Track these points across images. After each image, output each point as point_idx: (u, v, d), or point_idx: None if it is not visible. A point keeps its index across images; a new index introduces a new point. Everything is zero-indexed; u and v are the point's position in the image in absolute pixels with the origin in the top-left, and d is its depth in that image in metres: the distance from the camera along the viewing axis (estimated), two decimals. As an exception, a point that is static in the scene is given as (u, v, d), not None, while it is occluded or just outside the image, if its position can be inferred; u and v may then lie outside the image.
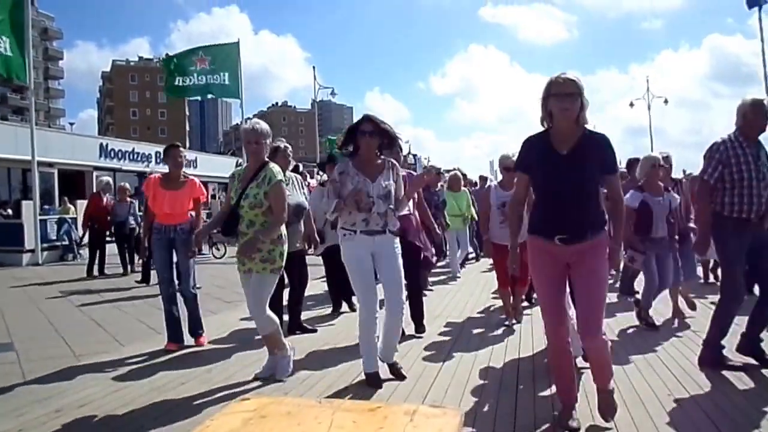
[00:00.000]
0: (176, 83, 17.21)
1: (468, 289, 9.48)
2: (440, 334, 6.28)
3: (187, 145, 78.16)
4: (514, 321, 6.61)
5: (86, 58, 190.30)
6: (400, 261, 4.66)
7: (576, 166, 3.34)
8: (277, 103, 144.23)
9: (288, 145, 6.29)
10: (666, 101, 40.36)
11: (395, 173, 4.66)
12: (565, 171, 3.35)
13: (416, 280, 6.22)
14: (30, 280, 12.22)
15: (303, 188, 6.31)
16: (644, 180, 6.38)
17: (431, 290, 9.12)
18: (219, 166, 31.15)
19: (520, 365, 5.01)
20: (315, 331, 6.51)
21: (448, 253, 11.09)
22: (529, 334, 6.09)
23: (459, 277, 10.57)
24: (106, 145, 26.41)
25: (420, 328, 6.27)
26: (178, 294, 6.09)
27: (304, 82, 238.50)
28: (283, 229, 4.77)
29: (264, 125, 4.80)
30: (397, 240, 4.69)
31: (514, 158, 5.98)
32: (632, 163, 8.40)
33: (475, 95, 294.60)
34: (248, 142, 4.75)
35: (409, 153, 36.51)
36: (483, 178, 14.92)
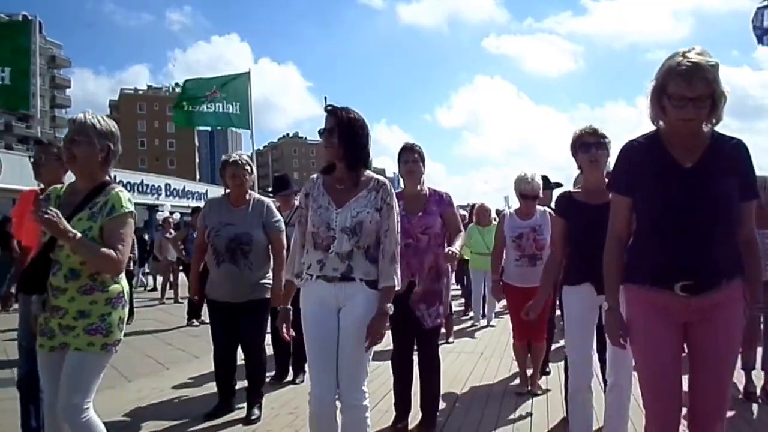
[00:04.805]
0: (185, 110, 16.95)
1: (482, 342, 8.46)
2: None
3: (197, 177, 78.27)
4: (528, 388, 5.46)
5: (83, 85, 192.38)
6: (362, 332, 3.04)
7: (707, 185, 2.39)
8: (288, 134, 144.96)
9: (244, 159, 4.83)
10: (678, 134, 39.93)
11: (381, 199, 3.12)
12: (690, 193, 2.39)
13: (429, 354, 4.49)
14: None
15: (271, 215, 4.82)
16: None
17: (451, 342, 8.14)
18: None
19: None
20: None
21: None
22: (544, 414, 4.86)
23: (484, 324, 9.68)
24: (114, 177, 25.84)
25: (428, 419, 4.44)
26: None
27: (307, 113, 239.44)
28: (124, 283, 3.01)
29: (101, 121, 2.98)
30: (373, 295, 3.09)
31: (533, 182, 5.12)
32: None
33: (482, 128, 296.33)
34: (70, 142, 2.92)
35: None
36: (499, 213, 13.88)
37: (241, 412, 4.81)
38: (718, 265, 2.42)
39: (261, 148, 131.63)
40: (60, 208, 2.86)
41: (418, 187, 4.44)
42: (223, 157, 4.98)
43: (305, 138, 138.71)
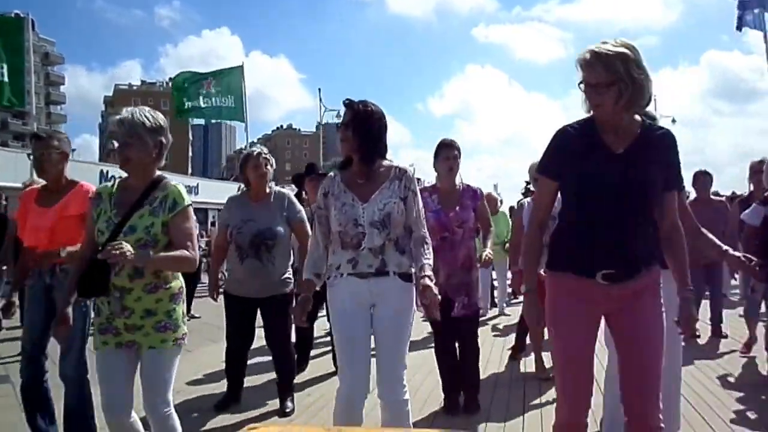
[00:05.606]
0: (184, 106, 16.93)
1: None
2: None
3: (189, 170, 77.79)
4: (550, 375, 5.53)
5: (76, 81, 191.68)
6: (407, 325, 3.08)
7: (637, 172, 2.38)
8: (281, 126, 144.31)
9: (264, 151, 4.81)
10: (674, 120, 39.57)
11: (404, 187, 3.08)
12: (621, 177, 2.37)
13: (463, 344, 4.62)
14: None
15: (293, 207, 4.75)
16: None
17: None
18: (221, 192, 30.65)
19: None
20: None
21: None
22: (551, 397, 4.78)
23: (493, 315, 9.55)
24: (107, 172, 25.56)
25: (471, 403, 4.56)
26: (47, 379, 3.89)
27: (299, 105, 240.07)
28: (181, 279, 3.01)
29: (150, 117, 2.89)
30: (409, 288, 3.08)
31: None
32: (698, 176, 6.78)
33: (475, 116, 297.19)
34: (122, 145, 2.88)
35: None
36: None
37: (248, 408, 4.90)
38: (640, 253, 2.45)
39: (255, 140, 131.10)
40: (115, 206, 2.90)
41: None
42: (244, 152, 4.98)
43: (299, 129, 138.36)
